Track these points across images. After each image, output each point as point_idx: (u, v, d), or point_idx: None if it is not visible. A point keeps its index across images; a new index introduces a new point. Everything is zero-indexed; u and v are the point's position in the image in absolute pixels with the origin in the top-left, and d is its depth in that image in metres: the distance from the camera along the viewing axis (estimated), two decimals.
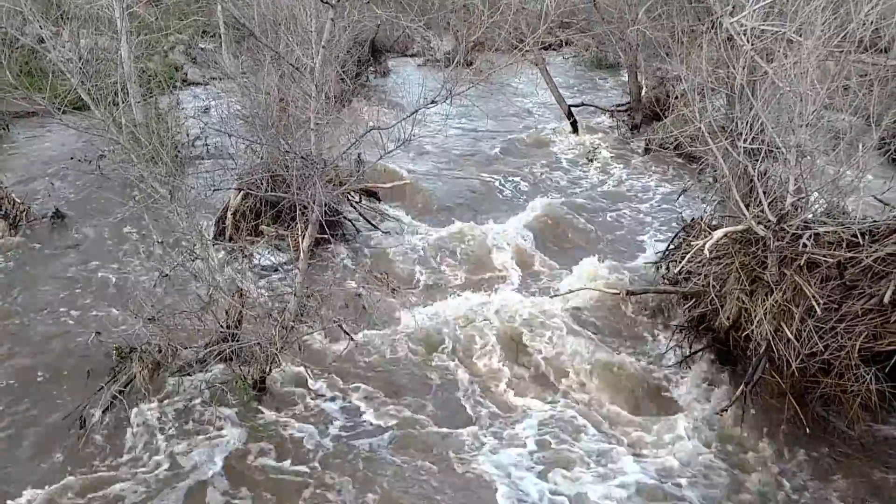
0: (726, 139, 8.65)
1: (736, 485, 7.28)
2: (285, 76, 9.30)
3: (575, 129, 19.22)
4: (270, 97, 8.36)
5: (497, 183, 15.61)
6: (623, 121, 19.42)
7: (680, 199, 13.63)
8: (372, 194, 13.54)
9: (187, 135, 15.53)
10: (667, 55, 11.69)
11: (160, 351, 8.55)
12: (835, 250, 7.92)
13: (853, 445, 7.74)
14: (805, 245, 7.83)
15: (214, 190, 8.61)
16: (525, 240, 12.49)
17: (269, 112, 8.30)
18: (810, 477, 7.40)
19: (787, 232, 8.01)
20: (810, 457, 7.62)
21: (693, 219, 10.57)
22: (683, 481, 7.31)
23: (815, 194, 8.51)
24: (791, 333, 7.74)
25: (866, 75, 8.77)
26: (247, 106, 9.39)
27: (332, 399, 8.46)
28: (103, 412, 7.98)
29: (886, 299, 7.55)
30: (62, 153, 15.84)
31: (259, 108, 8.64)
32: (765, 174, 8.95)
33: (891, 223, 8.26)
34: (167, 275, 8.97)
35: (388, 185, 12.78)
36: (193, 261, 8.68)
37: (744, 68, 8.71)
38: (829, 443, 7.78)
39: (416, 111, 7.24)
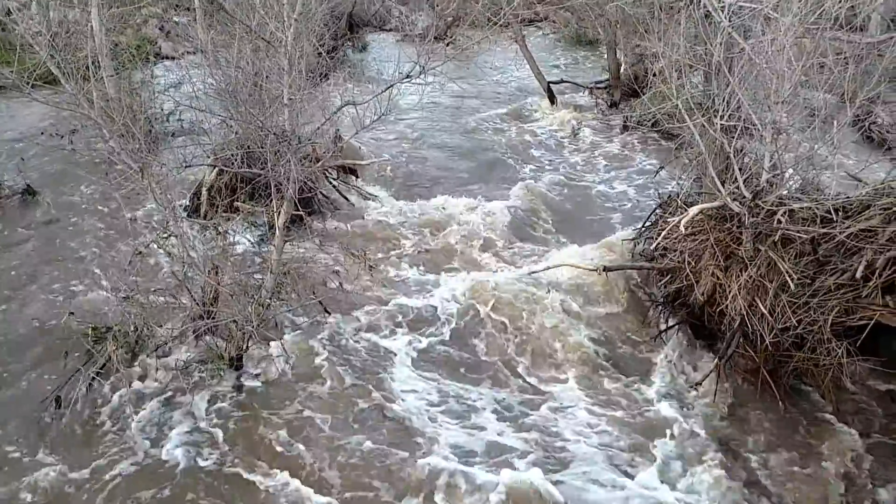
0: (703, 116, 8.69)
1: (708, 454, 7.38)
2: (260, 50, 9.16)
3: (554, 105, 19.18)
4: (243, 72, 8.23)
5: (476, 160, 15.56)
6: (602, 98, 19.40)
7: (657, 175, 13.67)
8: (350, 171, 13.45)
9: (161, 110, 15.30)
10: (645, 31, 11.67)
11: (136, 330, 8.49)
12: (809, 226, 8.01)
13: (823, 417, 7.88)
14: (779, 221, 7.91)
15: (186, 166, 8.49)
16: (504, 216, 12.48)
17: (241, 87, 8.18)
18: (780, 446, 7.53)
19: (762, 208, 8.08)
20: (781, 428, 7.75)
21: (670, 195, 10.61)
22: (657, 451, 7.39)
23: (790, 171, 8.59)
24: (765, 308, 7.84)
25: (842, 53, 8.82)
26: (221, 81, 9.24)
27: (309, 375, 8.44)
28: (80, 393, 7.90)
29: (858, 274, 7.66)
30: (32, 128, 15.54)
31: (232, 83, 8.50)
32: (741, 151, 9.01)
33: (864, 199, 8.37)
34: (141, 252, 8.86)
35: (367, 161, 12.71)
36: (167, 238, 8.59)
37: (721, 45, 8.71)
38: (800, 415, 7.91)
39: (391, 86, 7.18)
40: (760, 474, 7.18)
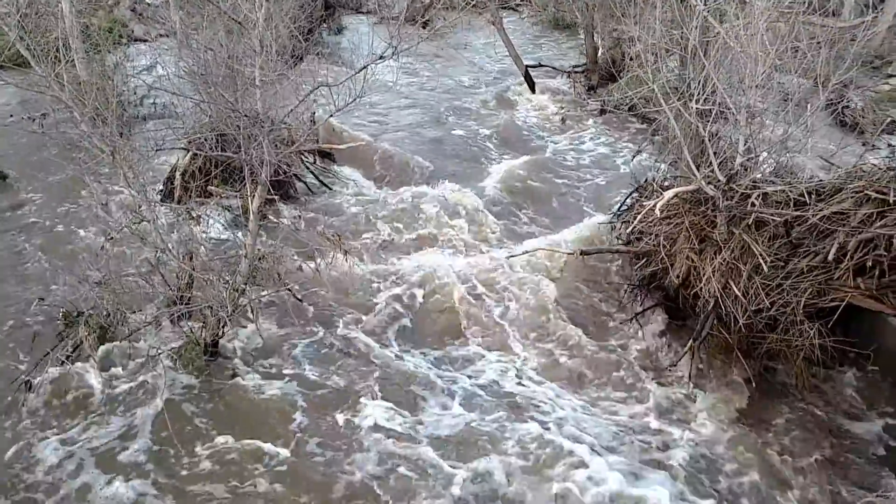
0: (679, 100, 8.70)
1: (681, 433, 7.47)
2: (233, 32, 9.03)
3: (532, 90, 19.13)
4: (216, 54, 8.10)
5: (454, 143, 15.49)
6: (580, 82, 19.36)
7: (634, 159, 13.70)
8: (326, 155, 13.34)
9: (134, 93, 15.04)
10: (622, 15, 11.65)
11: (108, 315, 8.39)
12: (782, 209, 8.08)
13: (795, 395, 7.99)
14: (753, 204, 7.97)
15: (157, 150, 8.37)
16: (482, 201, 12.46)
17: (213, 69, 8.05)
18: (752, 424, 7.63)
19: (736, 192, 8.14)
20: (753, 407, 7.85)
21: (646, 179, 10.65)
22: (633, 429, 7.46)
23: (764, 154, 8.64)
24: (738, 291, 7.91)
25: (815, 37, 8.86)
26: (193, 63, 9.09)
27: (286, 361, 8.41)
28: (51, 377, 7.81)
29: (831, 257, 7.76)
30: (2, 111, 15.24)
31: (204, 66, 8.37)
32: (716, 135, 9.05)
33: (836, 183, 8.46)
34: (113, 237, 8.74)
35: (343, 145, 12.53)
36: (140, 223, 8.47)
37: (697, 29, 8.72)
38: (772, 394, 8.02)
39: (365, 67, 7.10)
40: (733, 452, 7.28)
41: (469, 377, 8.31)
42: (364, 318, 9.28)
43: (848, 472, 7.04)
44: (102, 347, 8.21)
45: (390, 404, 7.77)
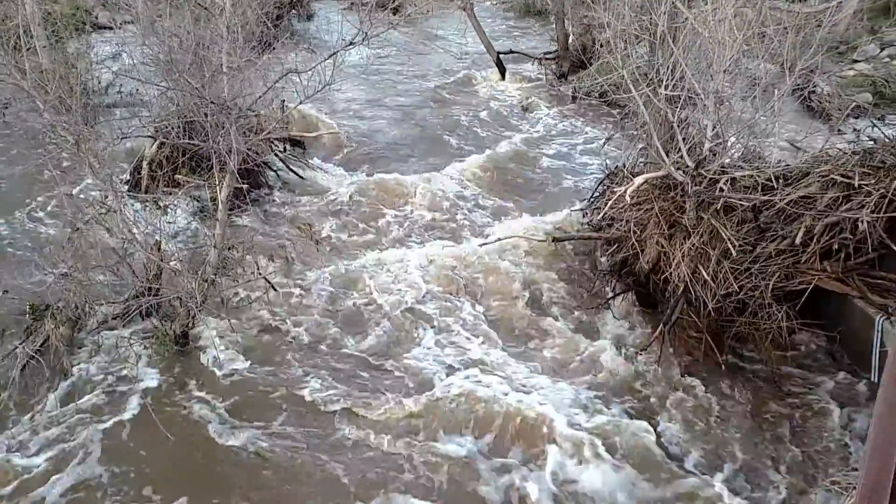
0: (648, 86, 8.75)
1: (652, 414, 7.55)
2: (200, 19, 8.89)
3: (503, 77, 19.12)
4: (182, 40, 7.97)
5: (425, 132, 15.45)
6: (551, 69, 19.39)
7: (605, 146, 13.76)
8: (297, 143, 13.22)
9: (99, 81, 14.76)
10: (592, 1, 11.66)
11: (76, 308, 8.25)
12: (750, 194, 8.18)
13: (763, 377, 8.11)
14: (722, 189, 8.04)
15: (123, 138, 8.22)
16: (454, 189, 12.44)
17: (180, 56, 7.92)
18: (722, 405, 7.73)
19: (705, 177, 8.21)
20: (723, 389, 7.95)
21: (617, 166, 10.71)
22: (604, 411, 7.52)
23: (732, 140, 8.73)
24: (707, 275, 7.99)
25: (782, 23, 8.94)
26: (159, 50, 8.94)
27: (256, 352, 8.35)
28: (18, 372, 7.66)
29: (798, 241, 7.87)
30: None
31: (171, 53, 8.23)
32: (685, 121, 9.12)
33: (803, 167, 8.57)
34: (79, 228, 8.59)
35: (314, 133, 12.49)
36: (106, 213, 8.34)
37: (665, 14, 8.77)
38: (741, 376, 8.13)
39: (335, 53, 7.03)
40: (704, 432, 7.37)
41: (433, 363, 8.30)
42: (336, 310, 9.23)
43: (811, 454, 7.16)
44: (70, 339, 8.07)
45: (365, 394, 7.76)
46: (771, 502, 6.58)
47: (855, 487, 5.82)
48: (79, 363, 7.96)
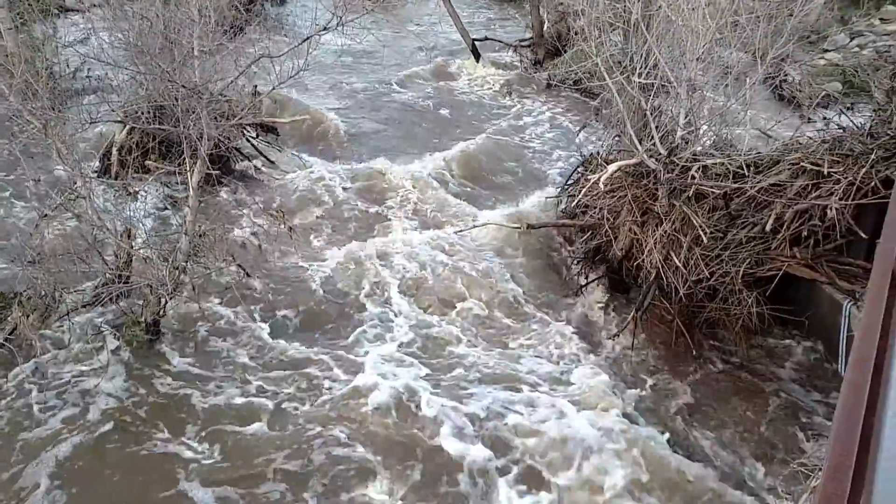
0: (622, 74, 8.78)
1: (625, 398, 7.62)
2: (169, 1, 8.74)
3: (479, 63, 19.05)
4: (152, 24, 7.83)
5: (399, 118, 15.36)
6: (526, 56, 19.35)
7: (580, 134, 13.79)
8: (270, 129, 13.07)
9: (67, 66, 14.45)
10: None
11: (45, 296, 8.11)
12: (721, 181, 8.25)
13: (733, 362, 8.23)
14: (693, 177, 8.12)
15: (91, 122, 8.08)
16: (428, 176, 12.40)
17: (149, 40, 7.79)
18: (692, 389, 7.85)
19: (677, 164, 8.27)
20: (693, 373, 8.06)
21: (591, 153, 10.75)
22: (576, 391, 7.57)
23: (704, 127, 8.80)
24: (679, 262, 8.07)
25: (754, 11, 9.01)
26: (128, 33, 8.78)
27: (229, 338, 8.28)
28: None
29: (768, 227, 7.97)
30: None
31: (140, 36, 8.09)
32: (658, 109, 9.17)
33: (774, 155, 8.67)
34: (47, 215, 8.44)
35: (288, 119, 12.36)
36: (75, 199, 8.20)
37: (639, 2, 8.78)
38: (711, 361, 8.24)
39: (308, 38, 6.95)
40: (673, 415, 7.47)
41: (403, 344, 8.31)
42: (311, 293, 9.18)
43: (780, 436, 7.29)
44: (41, 328, 7.94)
45: (339, 387, 7.74)
46: (739, 483, 6.70)
47: (821, 469, 5.93)
48: (48, 352, 7.84)
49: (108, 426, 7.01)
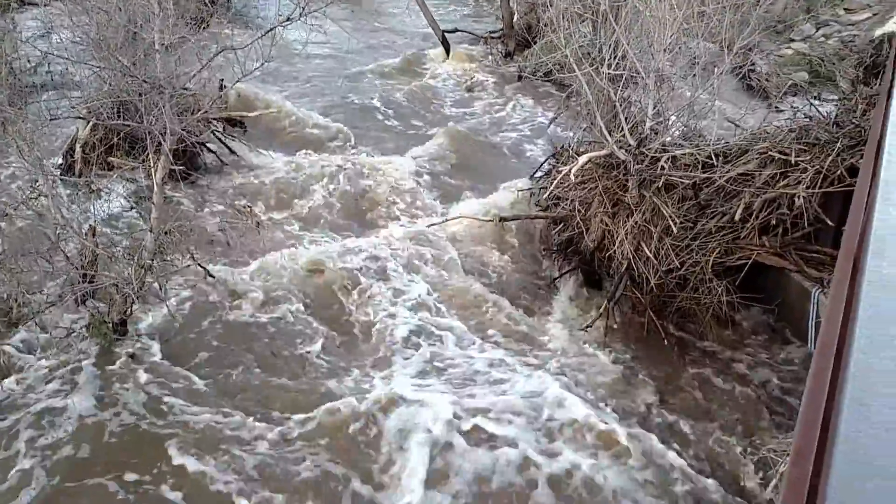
0: (591, 66, 8.78)
1: (596, 388, 7.64)
2: None
3: (448, 55, 18.97)
4: (112, 17, 7.65)
5: (368, 110, 15.21)
6: (497, 48, 19.31)
7: (551, 126, 13.79)
8: (237, 123, 12.89)
9: (27, 61, 14.11)
10: None
11: (7, 298, 7.92)
12: (690, 172, 8.30)
13: (704, 351, 8.30)
14: (663, 168, 8.15)
15: (52, 119, 7.89)
16: (398, 170, 12.31)
17: (110, 34, 7.61)
18: (663, 378, 7.90)
19: (647, 155, 8.30)
20: (665, 362, 8.11)
21: (562, 145, 10.75)
22: (550, 384, 7.56)
23: (673, 118, 8.83)
24: (650, 252, 8.11)
25: (720, 1, 9.06)
26: (89, 28, 8.57)
27: (199, 337, 8.16)
28: None
29: (737, 217, 8.04)
30: None
31: (100, 30, 7.91)
32: (627, 100, 9.19)
33: (742, 144, 8.73)
34: (7, 214, 8.23)
35: (255, 113, 12.16)
36: (37, 198, 8.01)
37: None
38: (683, 350, 8.30)
39: (272, 29, 6.84)
40: (646, 404, 7.51)
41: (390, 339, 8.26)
42: (280, 291, 9.07)
43: (750, 423, 7.36)
44: (5, 330, 7.76)
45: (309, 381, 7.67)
46: (711, 469, 6.74)
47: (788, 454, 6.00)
48: (11, 353, 7.66)
49: (82, 434, 6.86)
